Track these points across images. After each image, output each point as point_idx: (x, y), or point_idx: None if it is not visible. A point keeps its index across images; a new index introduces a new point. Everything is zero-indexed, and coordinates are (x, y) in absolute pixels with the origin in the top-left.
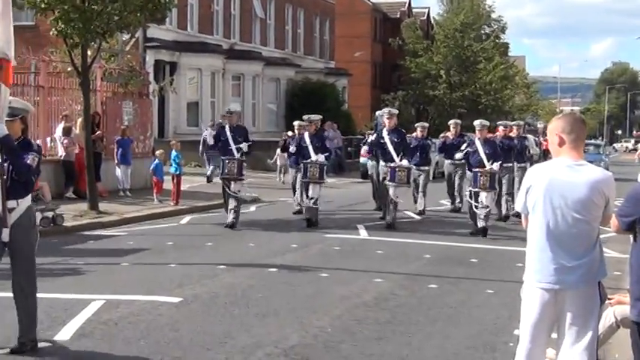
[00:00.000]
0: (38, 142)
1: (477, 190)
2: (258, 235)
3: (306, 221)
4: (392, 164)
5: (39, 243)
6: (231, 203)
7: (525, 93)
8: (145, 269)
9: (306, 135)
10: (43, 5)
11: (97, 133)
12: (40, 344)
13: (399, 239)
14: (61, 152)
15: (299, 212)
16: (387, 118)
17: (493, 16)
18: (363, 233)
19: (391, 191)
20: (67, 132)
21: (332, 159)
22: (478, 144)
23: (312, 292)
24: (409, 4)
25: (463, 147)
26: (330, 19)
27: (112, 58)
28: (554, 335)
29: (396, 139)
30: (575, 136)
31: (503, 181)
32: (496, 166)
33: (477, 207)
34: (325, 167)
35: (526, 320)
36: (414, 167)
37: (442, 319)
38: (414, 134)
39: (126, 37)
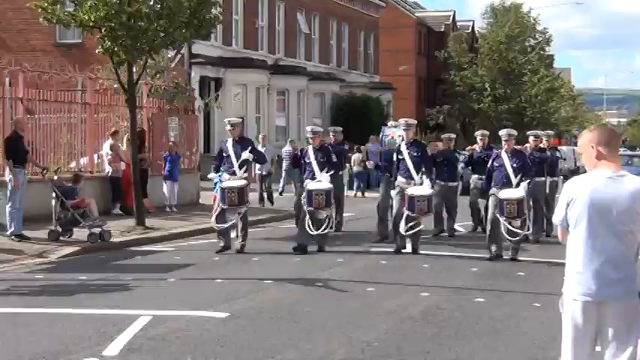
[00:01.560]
0: (85, 158)
1: (504, 219)
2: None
3: (296, 247)
4: (410, 192)
5: (86, 259)
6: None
7: (571, 105)
8: (191, 284)
9: (310, 149)
10: (90, 23)
11: (144, 154)
12: None
13: (445, 252)
14: (107, 169)
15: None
16: (404, 129)
17: (538, 28)
18: (409, 247)
19: (402, 225)
20: (113, 149)
21: (376, 173)
22: (505, 157)
23: (359, 307)
24: (454, 17)
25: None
26: (375, 33)
27: (158, 75)
28: (598, 348)
29: (415, 154)
30: (612, 147)
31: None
32: (524, 186)
33: (507, 236)
34: (331, 192)
35: (568, 334)
36: (442, 183)
37: (489, 333)
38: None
39: (171, 53)
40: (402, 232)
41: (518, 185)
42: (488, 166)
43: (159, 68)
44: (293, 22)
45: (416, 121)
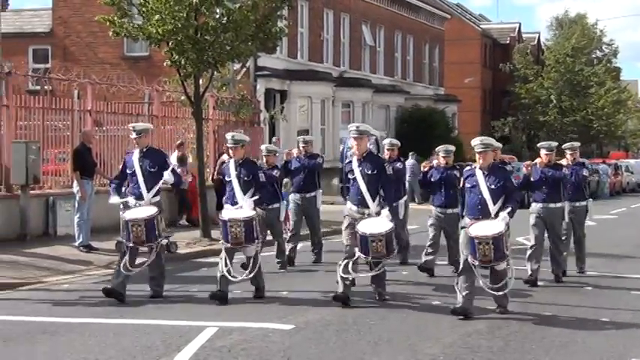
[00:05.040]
0: None
1: (477, 264)
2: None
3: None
4: (362, 229)
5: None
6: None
7: (639, 118)
8: None
9: (232, 164)
10: (157, 36)
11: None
12: None
13: (513, 266)
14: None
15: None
16: (355, 137)
17: (604, 40)
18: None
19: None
20: (180, 160)
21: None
22: (479, 175)
23: (424, 320)
24: (519, 29)
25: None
26: (440, 46)
27: (224, 87)
28: None
29: (369, 172)
30: None
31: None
32: (504, 217)
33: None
34: (253, 222)
35: None
36: (437, 209)
37: (556, 348)
38: (435, 161)
39: (237, 66)
40: (340, 274)
41: (497, 215)
42: (461, 185)
43: (225, 81)
44: (358, 35)
45: (369, 128)
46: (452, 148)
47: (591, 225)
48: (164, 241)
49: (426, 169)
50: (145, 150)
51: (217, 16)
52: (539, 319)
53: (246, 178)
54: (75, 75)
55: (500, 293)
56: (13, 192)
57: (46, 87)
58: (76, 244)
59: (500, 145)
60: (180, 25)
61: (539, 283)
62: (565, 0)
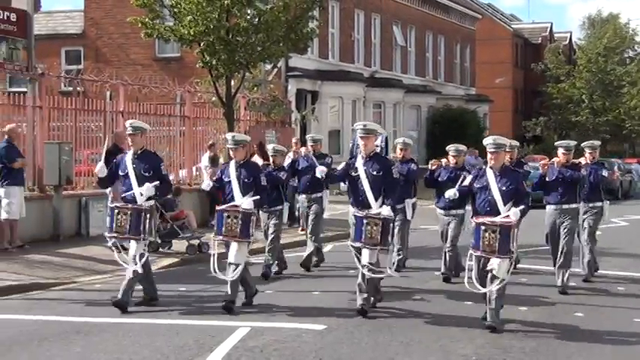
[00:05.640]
0: (184, 171)
1: (479, 254)
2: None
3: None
4: (360, 213)
5: (185, 270)
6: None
7: None
8: (288, 296)
9: (232, 165)
10: (189, 38)
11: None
12: None
13: (544, 267)
14: (207, 181)
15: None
16: (361, 137)
17: (637, 39)
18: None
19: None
20: (212, 161)
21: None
22: (491, 176)
23: (456, 320)
24: (551, 29)
25: (466, 181)
26: (471, 46)
27: (255, 88)
28: None
29: (375, 172)
30: None
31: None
32: (514, 213)
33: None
34: (251, 216)
35: None
36: (442, 212)
37: (588, 349)
38: (444, 160)
39: (268, 67)
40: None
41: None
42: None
43: (256, 81)
44: (389, 35)
45: (377, 126)
46: (462, 147)
47: (623, 225)
48: (194, 242)
49: (433, 168)
50: (139, 152)
51: (249, 17)
52: (572, 319)
53: (246, 180)
54: (107, 76)
55: (494, 292)
56: (46, 193)
57: (78, 88)
58: (109, 244)
59: (517, 143)
60: (211, 27)
61: (570, 283)
62: None
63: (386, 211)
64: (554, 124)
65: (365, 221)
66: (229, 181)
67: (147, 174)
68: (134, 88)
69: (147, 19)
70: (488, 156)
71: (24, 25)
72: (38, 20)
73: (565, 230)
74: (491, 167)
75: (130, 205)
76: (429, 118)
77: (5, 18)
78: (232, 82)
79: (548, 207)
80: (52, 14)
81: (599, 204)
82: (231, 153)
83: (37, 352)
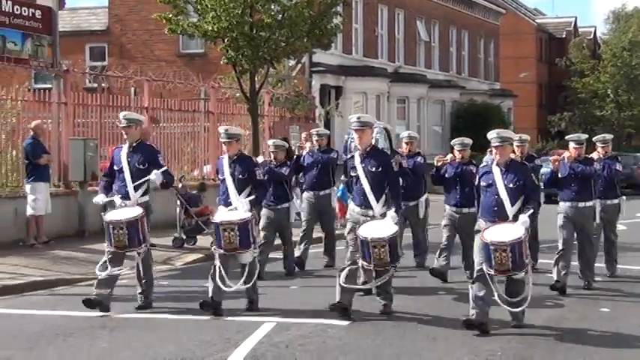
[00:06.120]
0: (208, 166)
1: (491, 273)
2: (428, 258)
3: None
4: (363, 233)
5: (210, 266)
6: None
7: None
8: (314, 291)
9: (225, 160)
10: (213, 34)
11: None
12: None
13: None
14: None
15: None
16: (355, 130)
17: None
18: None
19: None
20: None
21: None
22: (496, 173)
23: None
24: (575, 23)
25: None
26: (495, 40)
27: (279, 84)
28: None
29: (373, 169)
30: None
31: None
32: (524, 220)
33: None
34: (249, 225)
35: None
36: (451, 208)
37: (615, 344)
38: (450, 155)
39: (292, 62)
40: (341, 283)
41: (516, 218)
42: (476, 184)
43: (280, 77)
44: (413, 30)
45: (375, 121)
46: (468, 141)
47: None
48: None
49: (439, 164)
50: (134, 145)
51: (272, 13)
52: (598, 314)
53: (240, 176)
54: (131, 72)
55: (519, 309)
56: (71, 189)
57: (103, 84)
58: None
59: (527, 137)
60: (235, 22)
61: (596, 278)
62: None
63: (390, 218)
64: (579, 118)
65: (372, 244)
66: (223, 179)
67: (142, 166)
68: (158, 84)
69: (171, 15)
70: (493, 151)
71: (49, 21)
72: (62, 17)
73: (581, 231)
74: (497, 164)
75: (123, 219)
76: (452, 113)
77: (30, 15)
78: (256, 78)
79: (561, 204)
80: (77, 11)
81: (615, 201)
82: (224, 147)
83: (63, 348)
